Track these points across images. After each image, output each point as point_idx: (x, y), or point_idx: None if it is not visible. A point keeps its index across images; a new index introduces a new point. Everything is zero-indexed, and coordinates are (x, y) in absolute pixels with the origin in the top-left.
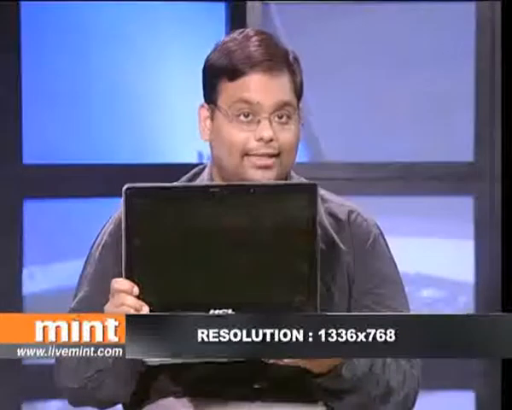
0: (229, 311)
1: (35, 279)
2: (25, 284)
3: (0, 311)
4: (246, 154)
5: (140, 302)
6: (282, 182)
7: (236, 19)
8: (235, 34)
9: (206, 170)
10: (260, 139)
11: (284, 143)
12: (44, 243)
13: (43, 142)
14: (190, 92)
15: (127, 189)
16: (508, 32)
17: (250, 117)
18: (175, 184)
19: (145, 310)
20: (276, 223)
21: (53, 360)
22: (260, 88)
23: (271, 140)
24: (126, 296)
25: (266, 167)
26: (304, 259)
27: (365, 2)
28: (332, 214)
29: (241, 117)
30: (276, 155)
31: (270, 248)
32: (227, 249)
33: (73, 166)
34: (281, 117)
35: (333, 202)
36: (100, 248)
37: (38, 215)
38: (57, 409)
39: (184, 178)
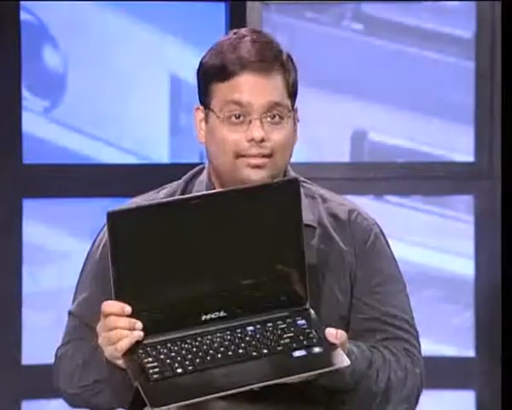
0: (222, 313)
1: (35, 279)
2: (25, 283)
3: (0, 310)
4: (239, 155)
5: (133, 321)
6: (263, 183)
7: (236, 19)
8: (230, 34)
9: (205, 171)
10: (251, 140)
11: (276, 143)
12: (44, 243)
13: (42, 142)
14: (190, 91)
15: (109, 213)
16: (508, 32)
17: (241, 118)
18: (156, 201)
19: (138, 327)
20: (261, 221)
21: (53, 361)
22: (251, 89)
23: (263, 140)
24: (118, 319)
25: (259, 167)
26: (291, 249)
27: (365, 3)
28: (332, 214)
29: (233, 118)
30: (269, 156)
31: (258, 246)
32: (215, 255)
33: (73, 166)
34: (273, 117)
35: (333, 201)
36: (99, 249)
37: (38, 215)
38: (57, 409)
39: (183, 179)
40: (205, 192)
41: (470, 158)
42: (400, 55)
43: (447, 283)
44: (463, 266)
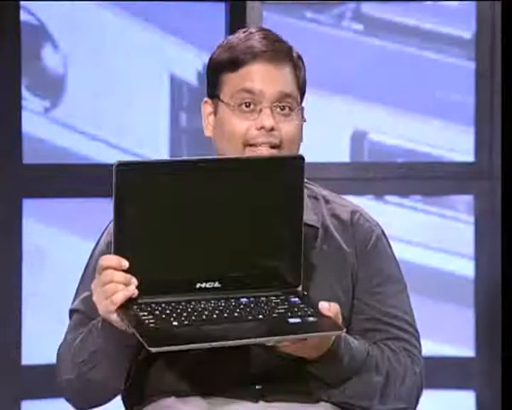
0: (216, 283)
1: (35, 279)
2: (25, 283)
3: (0, 311)
4: (248, 144)
5: (129, 276)
6: (269, 155)
7: (236, 19)
8: (239, 32)
9: None
10: (261, 128)
11: (285, 134)
12: (44, 243)
13: (42, 142)
14: (190, 91)
15: (118, 165)
16: (508, 32)
17: (252, 106)
18: (163, 159)
19: (134, 283)
20: (263, 195)
21: (53, 361)
22: (263, 77)
23: (272, 129)
24: (115, 272)
25: None
26: (289, 230)
27: (365, 3)
28: (335, 215)
29: (243, 107)
30: (278, 146)
31: (256, 219)
32: (213, 223)
33: (73, 166)
34: (283, 108)
35: (335, 202)
36: (102, 250)
37: (38, 215)
38: (57, 409)
39: None
40: (212, 157)
41: (470, 158)
42: (400, 56)
43: (447, 283)
44: (463, 266)
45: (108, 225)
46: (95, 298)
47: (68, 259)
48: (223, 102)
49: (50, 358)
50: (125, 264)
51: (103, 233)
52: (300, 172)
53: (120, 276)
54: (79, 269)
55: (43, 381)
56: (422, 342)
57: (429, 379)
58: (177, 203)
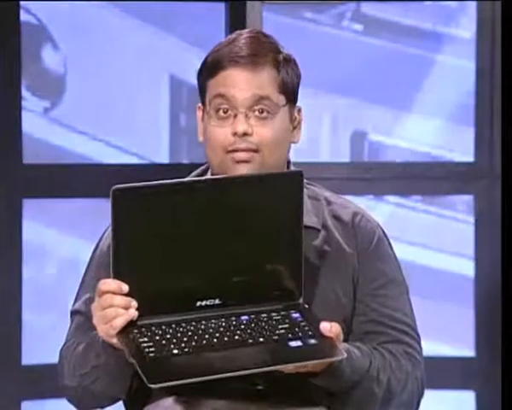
0: (216, 300)
1: (35, 279)
2: (24, 283)
3: (0, 310)
4: (226, 150)
5: (129, 299)
6: (268, 172)
7: (236, 19)
8: (232, 35)
9: (209, 171)
10: (235, 134)
11: (263, 138)
12: (44, 243)
13: (43, 142)
14: (190, 91)
15: (115, 190)
16: (508, 32)
17: (228, 112)
18: (160, 182)
19: (134, 306)
20: (262, 211)
21: (53, 361)
22: (236, 82)
23: (246, 134)
24: (114, 296)
25: (246, 162)
26: (289, 244)
27: (365, 2)
28: (336, 217)
29: (221, 113)
30: (256, 151)
31: (256, 237)
32: (212, 241)
33: (73, 166)
34: (261, 112)
35: (337, 204)
36: (103, 252)
37: (38, 215)
38: (57, 409)
39: (187, 179)
40: (209, 177)
41: (470, 158)
42: (400, 56)
43: (447, 283)
44: (463, 266)
45: (108, 228)
46: (95, 322)
47: (68, 259)
48: (205, 108)
49: (50, 358)
50: (125, 288)
51: (103, 235)
52: (299, 187)
53: (120, 300)
54: (79, 269)
55: (43, 381)
56: (422, 342)
57: (429, 379)
58: (176, 224)
